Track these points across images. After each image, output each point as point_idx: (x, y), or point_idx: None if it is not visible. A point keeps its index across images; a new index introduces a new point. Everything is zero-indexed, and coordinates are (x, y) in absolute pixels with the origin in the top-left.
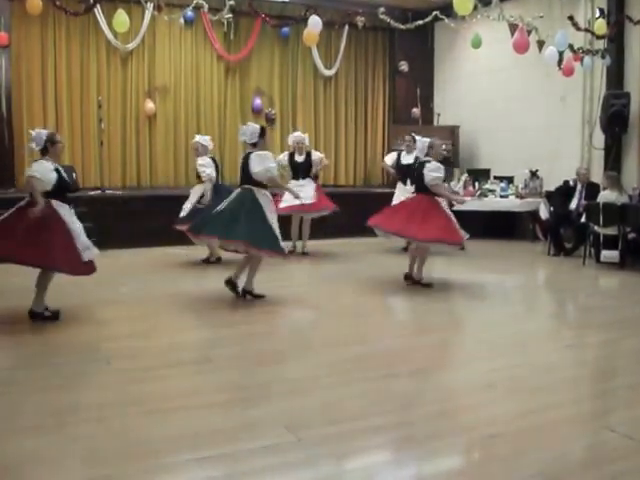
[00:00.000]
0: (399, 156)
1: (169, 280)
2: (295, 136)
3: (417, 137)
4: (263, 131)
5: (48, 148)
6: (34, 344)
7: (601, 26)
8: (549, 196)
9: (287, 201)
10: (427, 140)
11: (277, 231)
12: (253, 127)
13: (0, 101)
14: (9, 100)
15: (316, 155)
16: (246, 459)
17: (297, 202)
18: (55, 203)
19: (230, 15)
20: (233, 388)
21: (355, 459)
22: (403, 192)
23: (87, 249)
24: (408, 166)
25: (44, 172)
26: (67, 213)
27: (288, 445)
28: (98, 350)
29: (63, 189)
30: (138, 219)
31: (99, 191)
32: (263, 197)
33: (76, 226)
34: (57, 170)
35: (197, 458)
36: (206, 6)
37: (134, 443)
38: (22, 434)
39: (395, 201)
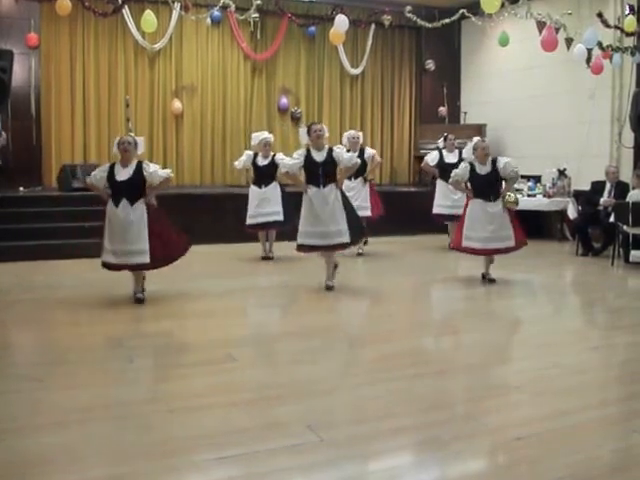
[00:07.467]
0: (441, 155)
1: (193, 279)
2: (350, 134)
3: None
4: None
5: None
6: (59, 340)
7: (631, 23)
8: (577, 195)
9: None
10: (476, 139)
11: None
12: None
13: (30, 101)
14: (38, 99)
15: (369, 152)
16: (267, 459)
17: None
18: (109, 202)
19: (257, 14)
20: (256, 387)
21: (379, 460)
22: (445, 190)
23: (109, 253)
24: (451, 165)
25: (93, 177)
26: (113, 211)
27: (310, 445)
28: (121, 347)
29: (114, 188)
30: None
31: None
32: None
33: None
34: (110, 172)
35: (218, 457)
36: (233, 6)
37: (156, 441)
38: (45, 430)
39: (438, 199)
